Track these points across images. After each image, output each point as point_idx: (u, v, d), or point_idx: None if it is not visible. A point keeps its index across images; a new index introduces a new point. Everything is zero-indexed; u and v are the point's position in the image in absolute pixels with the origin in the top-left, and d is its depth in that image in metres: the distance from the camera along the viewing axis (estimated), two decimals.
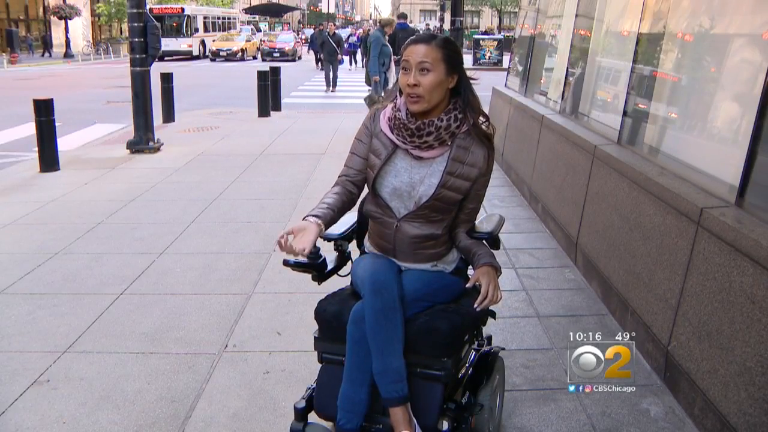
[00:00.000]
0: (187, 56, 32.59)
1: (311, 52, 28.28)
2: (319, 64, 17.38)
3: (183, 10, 33.56)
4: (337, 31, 19.24)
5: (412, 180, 2.12)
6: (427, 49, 2.02)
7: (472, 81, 2.14)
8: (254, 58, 33.56)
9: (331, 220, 2.07)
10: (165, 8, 33.64)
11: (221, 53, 31.96)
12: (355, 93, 16.28)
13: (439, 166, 2.11)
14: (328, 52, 16.42)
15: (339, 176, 2.24)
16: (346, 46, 26.25)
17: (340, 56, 16.53)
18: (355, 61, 27.76)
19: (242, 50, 32.78)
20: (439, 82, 2.03)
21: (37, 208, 5.68)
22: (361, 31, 33.95)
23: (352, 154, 2.22)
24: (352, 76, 21.38)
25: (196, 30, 34.59)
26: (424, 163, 2.12)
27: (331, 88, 16.36)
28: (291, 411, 2.16)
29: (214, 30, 37.23)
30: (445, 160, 2.11)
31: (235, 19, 42.92)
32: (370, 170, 2.16)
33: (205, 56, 33.73)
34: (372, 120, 2.19)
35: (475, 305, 2.09)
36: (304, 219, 2.00)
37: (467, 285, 2.15)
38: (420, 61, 2.01)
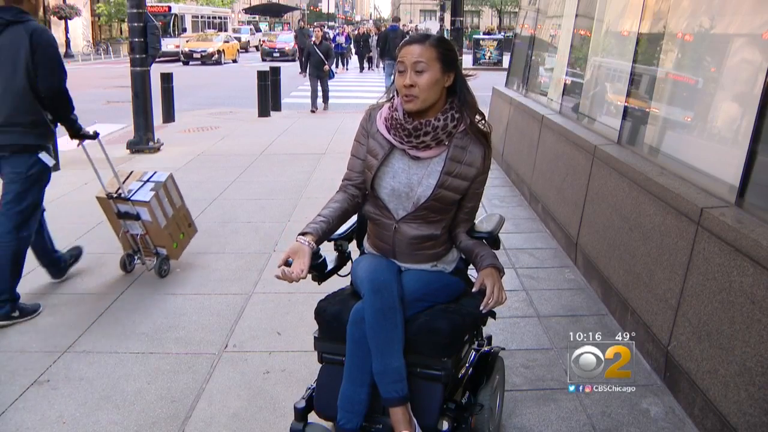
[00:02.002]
0: (175, 58, 29.19)
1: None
2: (305, 72, 13.41)
3: (170, 8, 31.31)
4: (326, 35, 15.51)
5: (410, 181, 2.12)
6: (421, 49, 2.02)
7: (468, 77, 2.14)
8: (234, 61, 30.23)
9: (326, 232, 2.10)
10: (150, 7, 31.44)
11: (194, 55, 27.93)
12: (355, 93, 16.29)
13: (436, 167, 2.11)
14: (314, 65, 12.85)
15: (342, 180, 2.26)
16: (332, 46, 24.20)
17: (328, 68, 12.95)
18: (344, 63, 25.41)
19: (219, 52, 28.80)
20: (435, 80, 2.03)
21: None
22: (356, 31, 31.05)
23: (352, 156, 2.24)
24: (343, 78, 21.05)
25: (184, 30, 32.33)
26: (421, 164, 2.12)
27: (323, 106, 13.11)
28: (291, 411, 2.16)
29: (204, 30, 34.83)
30: (442, 160, 2.11)
31: (226, 18, 40.17)
32: (368, 171, 2.16)
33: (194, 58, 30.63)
34: (368, 121, 2.19)
35: (481, 307, 2.08)
36: (297, 238, 2.03)
37: (473, 290, 2.14)
38: (415, 61, 2.01)
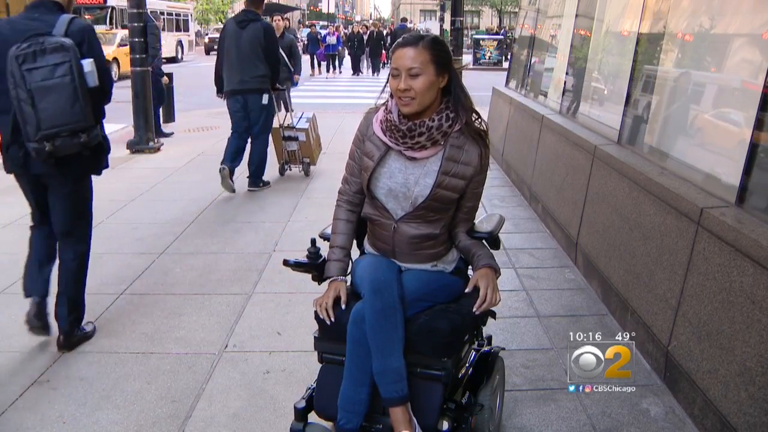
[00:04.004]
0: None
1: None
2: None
3: (105, 0, 23.52)
4: (289, 31, 10.80)
5: (407, 181, 2.12)
6: (415, 53, 2.01)
7: (460, 69, 2.14)
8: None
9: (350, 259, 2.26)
10: None
11: None
12: (355, 93, 16.26)
13: (433, 166, 2.11)
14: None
15: (342, 184, 2.26)
16: (321, 49, 21.21)
17: (295, 74, 8.88)
18: (336, 66, 22.76)
19: (109, 61, 17.50)
20: (430, 83, 2.03)
21: None
22: (349, 29, 27.17)
23: (349, 161, 2.25)
24: (338, 80, 20.34)
25: (125, 27, 24.29)
26: (418, 164, 2.12)
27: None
28: (291, 411, 2.16)
29: (161, 29, 27.10)
30: (439, 159, 2.11)
31: (187, 16, 30.78)
32: (364, 173, 2.16)
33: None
34: (365, 124, 2.20)
35: (474, 308, 2.09)
36: (338, 280, 2.17)
37: (466, 290, 2.15)
38: (409, 66, 2.01)
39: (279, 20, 10.20)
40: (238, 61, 5.92)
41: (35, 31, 2.84)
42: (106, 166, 3.23)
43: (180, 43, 28.81)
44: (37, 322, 3.18)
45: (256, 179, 6.29)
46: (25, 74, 2.76)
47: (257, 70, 5.94)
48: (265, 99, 6.06)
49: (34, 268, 3.26)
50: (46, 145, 2.82)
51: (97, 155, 3.09)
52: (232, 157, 6.08)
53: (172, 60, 26.41)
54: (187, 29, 30.47)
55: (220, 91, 6.27)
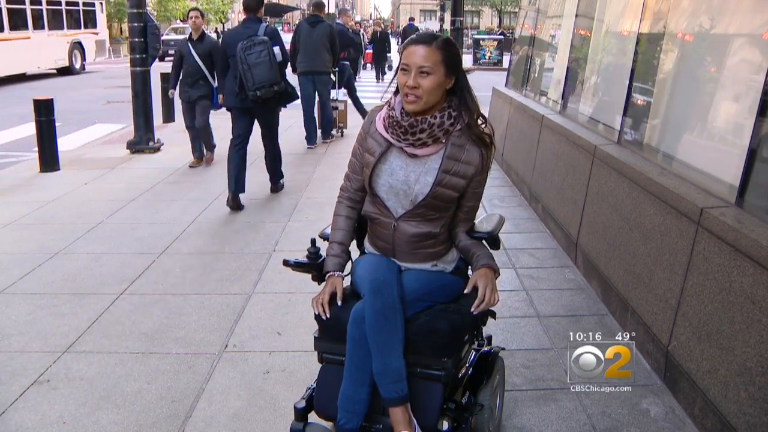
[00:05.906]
0: None
1: None
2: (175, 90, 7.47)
3: None
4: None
5: (407, 178, 2.12)
6: (427, 52, 2.02)
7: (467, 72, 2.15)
8: None
9: (348, 255, 2.26)
10: None
11: None
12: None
13: (434, 164, 2.11)
14: (185, 80, 6.99)
15: (344, 181, 2.26)
16: None
17: (218, 92, 6.63)
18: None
19: None
20: (438, 84, 2.03)
21: (37, 208, 5.68)
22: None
23: (352, 158, 2.26)
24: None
25: None
26: (419, 162, 2.12)
27: (207, 156, 7.40)
28: (291, 411, 2.16)
29: (21, 27, 17.72)
30: (440, 157, 2.11)
31: (93, 5, 21.91)
32: (365, 169, 2.16)
33: None
34: (368, 122, 2.20)
35: (472, 309, 2.08)
36: (336, 276, 2.16)
37: (465, 290, 2.15)
38: (421, 65, 2.01)
39: (195, 17, 7.07)
40: (311, 51, 8.18)
41: (248, 34, 5.43)
42: (290, 101, 5.94)
43: (79, 45, 21.04)
44: (234, 204, 5.59)
45: (326, 132, 8.95)
46: (246, 56, 5.28)
47: (324, 57, 8.24)
48: (328, 78, 8.57)
49: (234, 172, 5.64)
50: (257, 92, 5.33)
51: (282, 97, 5.64)
52: (315, 132, 8.76)
53: (65, 71, 20.17)
54: (93, 26, 22.10)
55: (294, 71, 8.20)
